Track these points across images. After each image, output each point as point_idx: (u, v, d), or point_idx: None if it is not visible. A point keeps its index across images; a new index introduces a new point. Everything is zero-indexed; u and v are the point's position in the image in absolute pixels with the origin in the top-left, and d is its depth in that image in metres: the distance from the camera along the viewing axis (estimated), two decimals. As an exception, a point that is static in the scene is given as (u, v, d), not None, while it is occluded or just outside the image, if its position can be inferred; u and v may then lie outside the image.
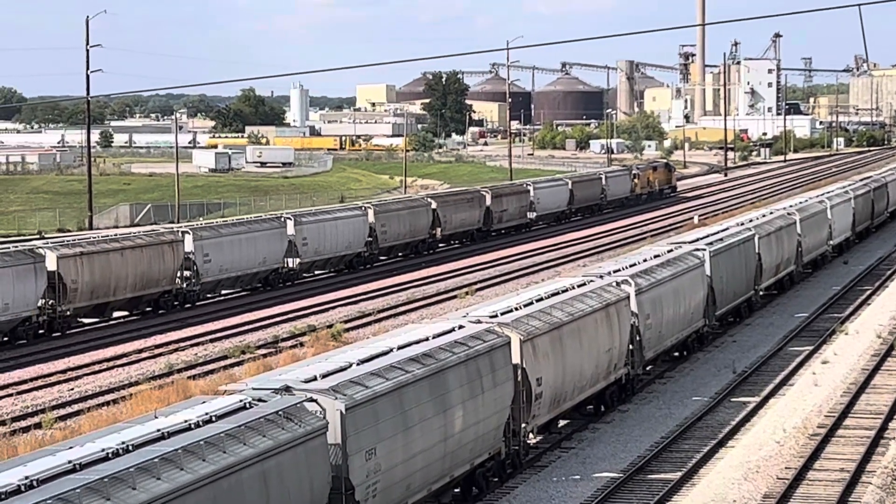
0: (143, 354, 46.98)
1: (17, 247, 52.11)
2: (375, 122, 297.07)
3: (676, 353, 44.26)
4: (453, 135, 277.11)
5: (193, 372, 43.30)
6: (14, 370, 44.54)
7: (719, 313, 47.74)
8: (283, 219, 65.59)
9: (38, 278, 49.53)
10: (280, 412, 21.34)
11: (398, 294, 61.50)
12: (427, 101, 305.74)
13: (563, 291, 35.29)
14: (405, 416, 24.52)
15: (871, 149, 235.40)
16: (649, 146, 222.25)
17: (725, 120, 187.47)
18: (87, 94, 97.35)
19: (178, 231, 59.65)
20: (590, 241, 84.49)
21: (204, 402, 21.88)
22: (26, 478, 17.32)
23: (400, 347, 26.64)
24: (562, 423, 34.75)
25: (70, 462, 18.08)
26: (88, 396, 40.21)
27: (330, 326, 50.74)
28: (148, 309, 56.78)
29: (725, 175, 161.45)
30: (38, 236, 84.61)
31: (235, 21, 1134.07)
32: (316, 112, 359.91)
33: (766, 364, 43.68)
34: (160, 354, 46.90)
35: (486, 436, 28.17)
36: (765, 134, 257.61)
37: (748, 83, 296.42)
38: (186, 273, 58.06)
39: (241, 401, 21.76)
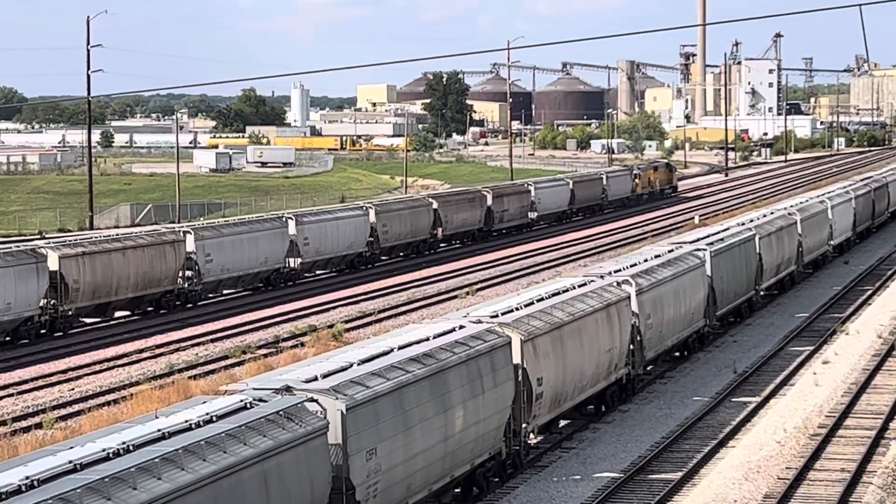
0: (144, 354, 46.98)
1: (18, 246, 52.17)
2: (376, 122, 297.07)
3: (677, 353, 44.26)
4: (454, 135, 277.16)
5: (194, 372, 43.31)
6: (15, 370, 44.56)
7: (720, 313, 47.74)
8: (284, 219, 65.63)
9: (40, 278, 49.57)
10: (281, 412, 21.34)
11: (399, 294, 61.50)
12: (428, 101, 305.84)
13: (564, 291, 35.29)
14: (406, 416, 24.53)
15: (872, 149, 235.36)
16: (650, 146, 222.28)
17: (726, 120, 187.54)
18: (88, 94, 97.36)
19: (179, 231, 59.67)
20: (591, 241, 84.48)
21: (205, 402, 21.88)
22: (27, 478, 17.32)
23: (401, 347, 26.65)
24: (562, 423, 34.75)
25: (71, 462, 18.08)
26: (89, 396, 40.21)
27: (331, 326, 50.74)
28: (150, 309, 56.81)
29: (726, 175, 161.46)
30: (38, 236, 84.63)
31: (236, 21, 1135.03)
32: (317, 112, 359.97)
33: (767, 364, 43.68)
34: (161, 354, 46.90)
35: (487, 436, 28.17)
36: (765, 134, 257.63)
37: (749, 83, 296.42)
38: (188, 273, 58.10)
39: (241, 401, 21.76)
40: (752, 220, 57.74)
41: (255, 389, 22.76)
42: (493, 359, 28.33)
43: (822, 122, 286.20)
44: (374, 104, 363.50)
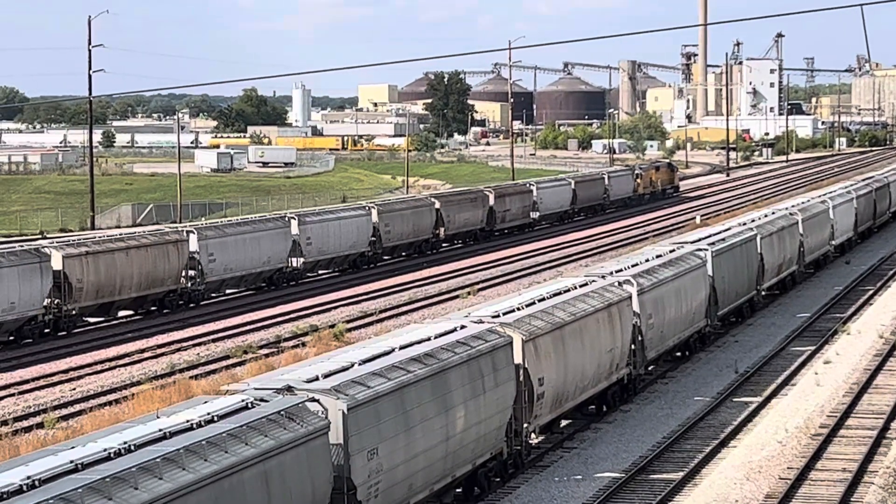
0: (146, 354, 47.00)
1: (22, 246, 52.33)
2: (377, 122, 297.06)
3: (678, 353, 44.25)
4: (455, 135, 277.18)
5: (195, 372, 43.32)
6: (16, 370, 44.58)
7: (721, 313, 47.74)
8: (287, 218, 65.67)
9: (44, 278, 49.66)
10: (282, 412, 21.34)
11: (400, 294, 61.51)
12: (429, 101, 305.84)
13: (566, 291, 35.29)
14: (407, 415, 24.52)
15: (873, 149, 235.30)
16: (651, 146, 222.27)
17: (727, 120, 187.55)
18: (90, 93, 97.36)
19: (182, 231, 59.72)
20: (592, 241, 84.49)
21: (206, 402, 21.88)
22: (28, 477, 17.33)
23: (402, 347, 26.65)
24: (564, 422, 34.74)
25: (72, 462, 18.08)
26: (90, 396, 40.23)
27: (332, 326, 50.75)
28: (153, 308, 56.85)
29: (727, 175, 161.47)
30: (40, 236, 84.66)
31: (237, 21, 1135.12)
32: (318, 112, 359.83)
33: (769, 364, 43.67)
34: (162, 354, 46.91)
35: (488, 436, 28.16)
36: (767, 134, 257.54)
37: (750, 83, 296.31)
38: (191, 272, 58.16)
39: (243, 401, 21.76)
40: (753, 220, 57.74)
41: (256, 389, 22.76)
42: (495, 359, 28.33)
43: (823, 122, 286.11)
44: (375, 104, 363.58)
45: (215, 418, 20.68)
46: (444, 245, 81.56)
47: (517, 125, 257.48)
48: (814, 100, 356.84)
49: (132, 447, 18.96)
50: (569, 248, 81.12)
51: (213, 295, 60.43)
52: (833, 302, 57.33)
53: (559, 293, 34.89)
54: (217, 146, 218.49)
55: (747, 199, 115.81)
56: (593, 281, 37.55)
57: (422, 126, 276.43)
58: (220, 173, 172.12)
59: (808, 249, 63.17)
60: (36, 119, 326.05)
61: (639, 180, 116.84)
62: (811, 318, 53.07)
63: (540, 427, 32.01)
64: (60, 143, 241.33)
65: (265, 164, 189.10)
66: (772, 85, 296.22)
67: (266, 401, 21.96)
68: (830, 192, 75.76)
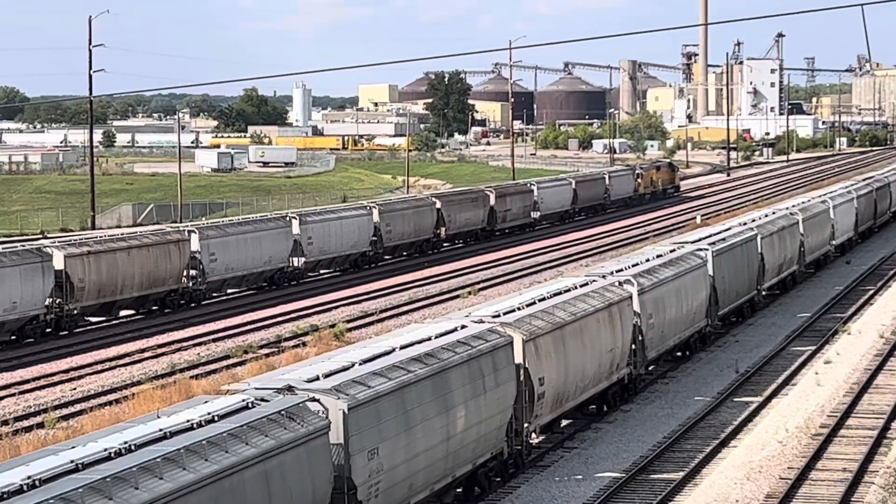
0: (146, 354, 47.00)
1: (24, 246, 52.42)
2: (378, 121, 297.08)
3: (679, 353, 44.25)
4: (456, 134, 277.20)
5: (196, 372, 43.32)
6: (17, 370, 44.59)
7: (722, 313, 47.73)
8: (288, 218, 65.71)
9: (46, 277, 49.70)
10: (282, 412, 21.34)
11: (401, 294, 61.52)
12: (430, 100, 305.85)
13: (566, 291, 35.29)
14: (407, 415, 24.52)
15: (874, 149, 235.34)
16: (652, 146, 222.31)
17: (728, 120, 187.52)
18: (90, 93, 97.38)
19: (184, 230, 59.75)
20: (593, 241, 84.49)
21: (206, 402, 21.88)
22: (29, 477, 17.33)
23: (402, 347, 26.65)
24: (564, 422, 34.74)
25: (72, 462, 18.08)
26: (91, 396, 40.23)
27: (332, 326, 50.75)
28: (154, 308, 56.87)
29: (728, 175, 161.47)
30: (40, 236, 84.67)
31: (238, 21, 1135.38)
32: (318, 112, 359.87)
33: (769, 364, 43.67)
34: (163, 354, 46.91)
35: (489, 435, 28.16)
36: (767, 134, 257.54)
37: (751, 83, 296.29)
38: (192, 272, 58.20)
39: (243, 400, 21.76)
40: (753, 220, 57.74)
41: (256, 389, 22.76)
42: (495, 358, 28.33)
43: (823, 122, 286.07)
44: (375, 104, 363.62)
45: (216, 418, 20.68)
46: (444, 245, 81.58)
47: (518, 125, 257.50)
48: (814, 100, 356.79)
49: (132, 447, 18.96)
50: (569, 247, 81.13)
51: (215, 294, 60.44)
52: (833, 302, 57.33)
53: (560, 293, 34.88)
54: (217, 146, 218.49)
55: (748, 199, 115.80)
56: (594, 281, 37.55)
57: (422, 126, 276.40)
58: (220, 173, 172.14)
59: (808, 249, 63.17)
60: (36, 119, 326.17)
61: (639, 180, 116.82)
62: (812, 317, 53.07)
63: (540, 427, 32.02)
64: (61, 142, 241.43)
65: (266, 164, 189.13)
66: (772, 85, 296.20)
67: (266, 400, 21.96)
68: (831, 192, 75.76)
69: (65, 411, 38.18)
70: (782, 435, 32.84)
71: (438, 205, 79.94)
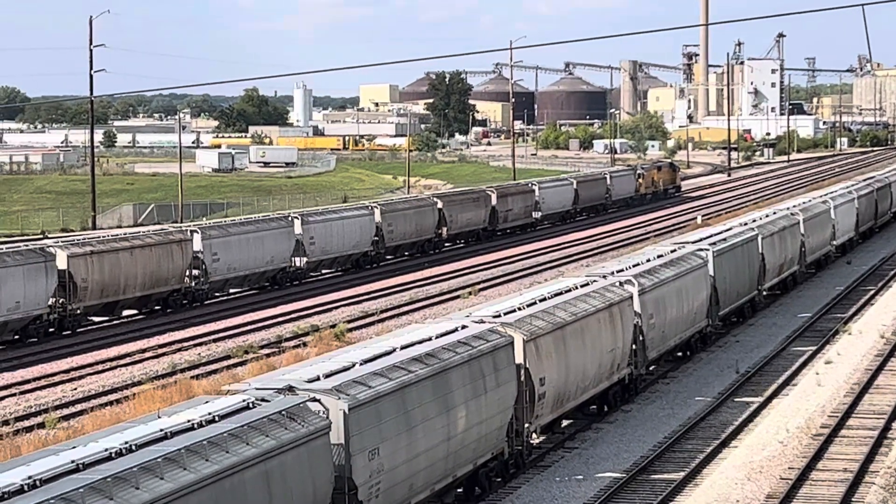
0: (147, 354, 47.01)
1: (28, 246, 52.49)
2: (379, 122, 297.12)
3: (679, 353, 44.25)
4: (456, 135, 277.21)
5: (197, 372, 43.33)
6: (17, 370, 44.60)
7: (722, 313, 47.73)
8: (290, 218, 65.74)
9: (49, 277, 49.75)
10: (283, 412, 21.34)
11: (402, 294, 61.52)
12: (430, 101, 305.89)
13: (567, 291, 35.29)
14: (408, 416, 24.52)
15: (875, 149, 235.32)
16: (653, 146, 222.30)
17: (729, 120, 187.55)
18: (91, 93, 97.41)
19: (186, 230, 59.77)
20: (594, 241, 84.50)
21: (207, 402, 21.88)
22: (29, 477, 17.33)
23: (403, 347, 26.65)
24: (565, 423, 34.74)
25: (73, 462, 18.08)
26: (91, 396, 40.23)
27: (333, 326, 50.74)
28: (157, 308, 56.89)
29: (729, 175, 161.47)
30: (41, 236, 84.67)
31: (238, 21, 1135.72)
32: (319, 112, 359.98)
33: (770, 364, 43.66)
34: (163, 354, 46.92)
35: (489, 436, 28.16)
36: (768, 134, 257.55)
37: (752, 83, 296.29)
38: (195, 272, 58.23)
39: (244, 400, 21.76)
40: (754, 220, 57.73)
41: (257, 389, 22.76)
42: (496, 359, 28.32)
43: (824, 122, 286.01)
44: (376, 104, 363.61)
45: (216, 418, 20.68)
46: (446, 245, 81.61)
47: (518, 125, 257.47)
48: (815, 100, 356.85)
49: (133, 447, 18.97)
50: (570, 247, 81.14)
51: (217, 294, 60.46)
52: (834, 302, 57.32)
53: (560, 293, 34.88)
54: (218, 146, 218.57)
55: (748, 199, 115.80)
56: (594, 281, 37.54)
57: (423, 126, 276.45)
58: (221, 173, 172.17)
59: (809, 249, 63.16)
60: (37, 119, 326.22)
61: (640, 180, 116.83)
62: (812, 318, 53.06)
63: (541, 427, 32.01)
64: (62, 142, 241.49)
65: (266, 164, 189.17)
66: (773, 85, 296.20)
67: (267, 401, 21.97)
68: (832, 192, 75.75)
69: (65, 411, 38.18)
70: (783, 435, 32.84)
71: (440, 205, 79.97)
